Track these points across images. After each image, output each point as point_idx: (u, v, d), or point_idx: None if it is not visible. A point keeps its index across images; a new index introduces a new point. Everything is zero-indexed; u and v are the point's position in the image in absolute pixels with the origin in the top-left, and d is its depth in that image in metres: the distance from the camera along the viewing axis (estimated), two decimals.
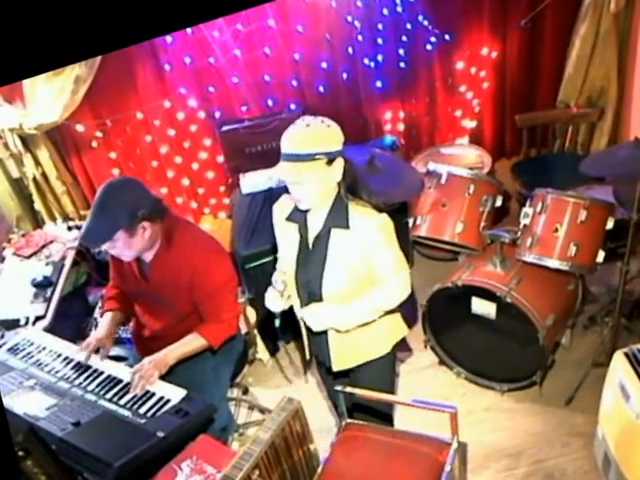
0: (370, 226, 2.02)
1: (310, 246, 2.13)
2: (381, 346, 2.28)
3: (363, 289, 2.11)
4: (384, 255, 2.07)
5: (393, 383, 2.53)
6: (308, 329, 2.22)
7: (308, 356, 2.43)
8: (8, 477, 1.06)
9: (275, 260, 2.36)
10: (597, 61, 3.92)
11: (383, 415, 2.48)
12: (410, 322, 2.43)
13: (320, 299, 2.13)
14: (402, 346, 2.41)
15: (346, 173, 2.02)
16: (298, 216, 2.12)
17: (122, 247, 2.18)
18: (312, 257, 2.12)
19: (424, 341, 3.29)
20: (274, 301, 2.20)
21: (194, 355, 2.33)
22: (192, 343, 2.32)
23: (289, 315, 2.29)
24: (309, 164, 1.92)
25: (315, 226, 2.10)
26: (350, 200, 2.04)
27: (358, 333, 2.18)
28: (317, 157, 1.92)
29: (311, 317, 2.12)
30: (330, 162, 1.96)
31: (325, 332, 2.20)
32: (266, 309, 2.23)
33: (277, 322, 2.23)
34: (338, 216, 2.04)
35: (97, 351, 2.36)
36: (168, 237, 2.28)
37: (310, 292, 2.16)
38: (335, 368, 2.30)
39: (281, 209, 2.21)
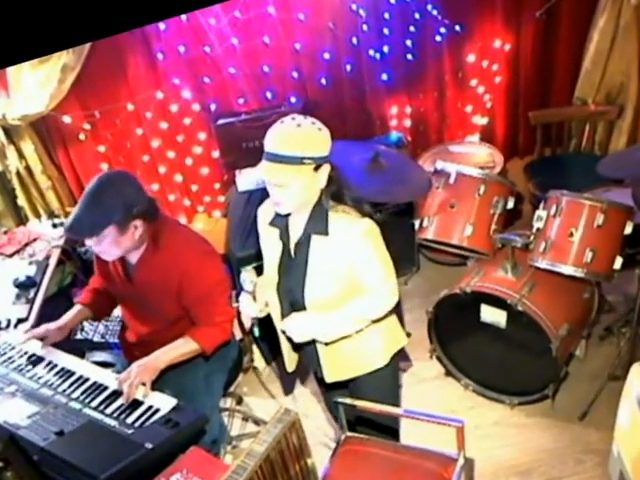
0: (351, 232, 2.01)
1: (292, 253, 2.13)
2: (377, 357, 2.27)
3: (350, 297, 2.11)
4: (368, 262, 2.06)
5: (397, 396, 2.52)
6: (290, 340, 2.21)
7: (289, 369, 2.41)
8: None
9: None
10: (616, 56, 3.93)
11: (389, 429, 2.47)
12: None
13: (303, 308, 2.13)
14: (403, 356, 2.40)
15: (331, 180, 2.01)
16: (280, 221, 2.13)
17: (109, 244, 2.18)
18: (294, 264, 2.13)
19: (430, 351, 3.29)
20: (248, 305, 2.21)
21: (185, 361, 2.33)
22: (183, 347, 2.32)
23: (270, 324, 2.29)
24: (295, 167, 1.91)
25: (296, 232, 2.11)
26: (331, 207, 2.04)
27: (350, 343, 2.18)
28: (305, 161, 1.91)
29: (290, 327, 2.11)
30: (317, 168, 1.96)
31: (313, 342, 2.20)
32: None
33: (256, 331, 2.23)
34: (317, 222, 2.04)
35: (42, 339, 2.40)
36: (155, 238, 2.29)
37: (292, 301, 2.17)
38: (328, 380, 2.30)
39: (265, 213, 2.21)
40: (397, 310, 2.23)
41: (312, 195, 2.02)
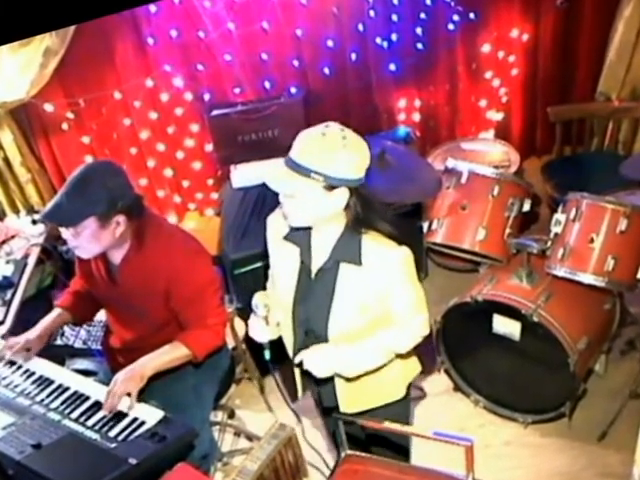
0: (388, 262, 1.96)
1: (313, 276, 2.06)
2: (394, 388, 2.26)
3: (375, 328, 2.07)
4: (403, 293, 2.03)
5: (408, 423, 2.49)
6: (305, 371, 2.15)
7: (300, 393, 2.36)
8: None
9: (268, 266, 2.32)
10: None
11: (399, 448, 2.46)
12: (429, 365, 2.38)
13: (323, 338, 2.09)
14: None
15: (355, 205, 1.94)
16: (300, 237, 2.05)
17: (87, 238, 2.18)
18: (315, 290, 2.06)
19: (437, 364, 3.29)
20: (259, 331, 2.16)
21: (173, 370, 2.33)
22: (173, 352, 2.31)
23: (280, 344, 2.26)
24: (303, 179, 1.86)
25: (320, 255, 2.03)
26: (363, 233, 1.97)
27: (370, 374, 2.13)
28: (313, 176, 1.85)
29: (312, 362, 2.06)
30: (330, 188, 1.88)
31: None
32: None
33: (267, 354, 2.17)
34: (348, 249, 1.98)
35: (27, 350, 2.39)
36: (139, 237, 2.29)
37: (309, 330, 2.12)
38: (343, 409, 2.26)
39: (276, 224, 2.13)
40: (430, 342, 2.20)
41: (325, 215, 1.95)
